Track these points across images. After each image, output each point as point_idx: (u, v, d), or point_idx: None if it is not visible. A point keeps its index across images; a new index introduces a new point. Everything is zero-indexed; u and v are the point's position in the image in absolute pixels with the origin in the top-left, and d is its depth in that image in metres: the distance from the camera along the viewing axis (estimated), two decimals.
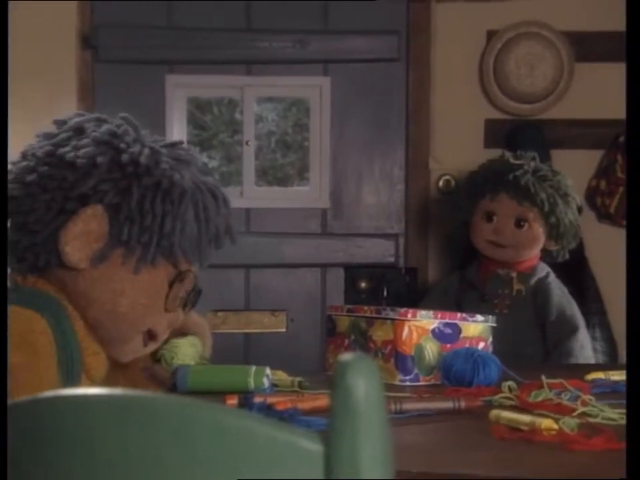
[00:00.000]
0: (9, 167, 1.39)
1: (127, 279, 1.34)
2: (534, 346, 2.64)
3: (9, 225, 1.36)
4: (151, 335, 1.42)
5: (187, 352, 1.65)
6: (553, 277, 2.70)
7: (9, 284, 1.37)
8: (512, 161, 2.73)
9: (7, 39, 1.92)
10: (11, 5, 2.97)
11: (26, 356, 1.25)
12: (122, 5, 3.07)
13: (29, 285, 1.36)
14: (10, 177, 1.36)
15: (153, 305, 1.38)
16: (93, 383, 1.37)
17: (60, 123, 1.40)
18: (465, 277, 2.78)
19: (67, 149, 1.34)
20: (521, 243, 2.68)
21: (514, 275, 2.68)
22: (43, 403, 0.88)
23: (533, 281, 2.68)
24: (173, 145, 1.41)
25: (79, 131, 1.37)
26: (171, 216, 1.33)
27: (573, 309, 2.66)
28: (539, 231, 2.68)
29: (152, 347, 1.44)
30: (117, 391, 0.87)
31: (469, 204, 2.76)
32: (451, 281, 2.84)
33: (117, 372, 1.60)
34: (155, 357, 1.65)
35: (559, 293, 2.68)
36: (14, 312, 1.29)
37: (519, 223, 2.67)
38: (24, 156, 1.38)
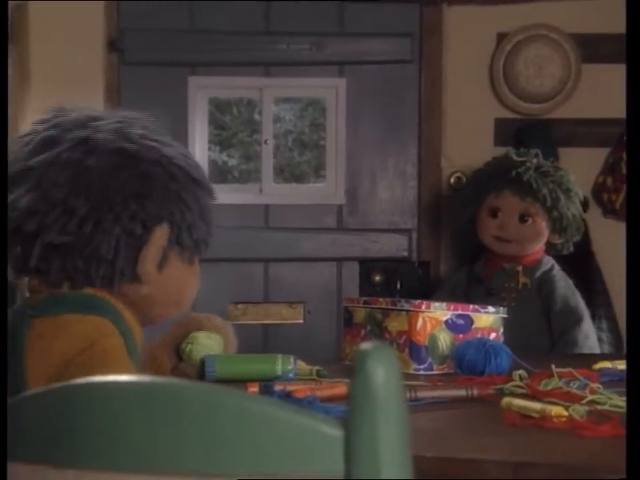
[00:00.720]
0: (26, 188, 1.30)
1: (185, 271, 1.36)
2: (541, 337, 2.63)
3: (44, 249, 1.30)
4: None
5: (205, 343, 1.64)
6: (557, 269, 2.69)
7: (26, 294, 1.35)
8: (515, 158, 2.72)
9: (7, 39, 1.92)
10: (38, 10, 2.99)
11: (104, 363, 1.21)
12: (146, 10, 3.07)
13: (76, 292, 1.30)
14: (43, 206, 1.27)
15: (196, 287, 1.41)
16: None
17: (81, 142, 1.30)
18: (473, 272, 2.77)
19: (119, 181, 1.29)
20: (525, 238, 2.67)
21: (519, 268, 2.67)
22: (74, 389, 0.88)
23: (538, 273, 2.67)
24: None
25: (131, 156, 1.31)
26: (208, 214, 1.37)
27: (577, 300, 2.66)
28: (542, 225, 2.67)
29: None
30: (145, 377, 0.87)
31: (474, 201, 2.76)
32: (459, 276, 2.84)
33: (151, 373, 1.60)
34: (181, 356, 1.66)
35: (564, 285, 2.67)
36: (72, 319, 1.25)
37: (522, 218, 2.66)
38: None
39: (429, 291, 3.01)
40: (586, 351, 2.57)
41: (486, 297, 2.63)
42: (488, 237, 2.72)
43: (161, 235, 1.31)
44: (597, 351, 2.64)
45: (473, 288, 2.72)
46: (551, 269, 2.69)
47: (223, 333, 1.69)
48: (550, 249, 2.74)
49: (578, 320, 2.61)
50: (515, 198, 2.67)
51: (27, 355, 1.23)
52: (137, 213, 1.29)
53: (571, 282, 2.69)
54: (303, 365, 1.75)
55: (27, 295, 1.35)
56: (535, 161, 2.70)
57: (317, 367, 1.73)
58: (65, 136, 1.30)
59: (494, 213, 2.70)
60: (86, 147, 1.30)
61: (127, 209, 1.29)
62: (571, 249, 2.74)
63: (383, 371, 0.80)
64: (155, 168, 1.31)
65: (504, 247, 2.69)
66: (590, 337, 2.62)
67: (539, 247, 2.70)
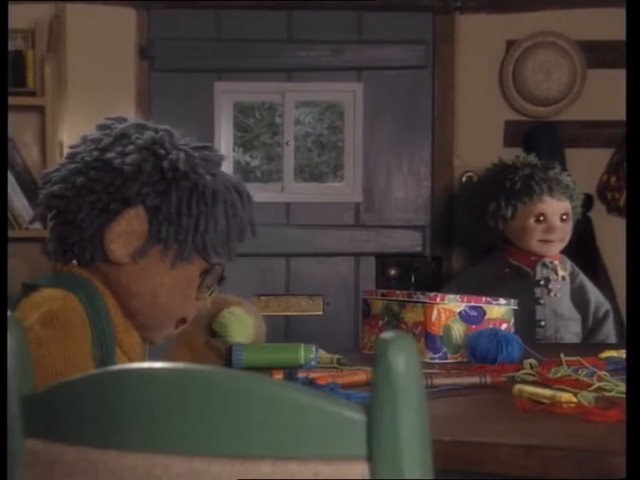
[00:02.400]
0: (57, 166, 1.38)
1: (164, 273, 1.33)
2: (574, 326, 2.63)
3: (54, 220, 1.37)
4: (181, 320, 1.42)
5: (241, 317, 1.63)
6: (577, 268, 2.71)
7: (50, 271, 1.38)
8: (535, 161, 2.71)
9: (7, 39, 1.92)
10: (74, 21, 3.00)
11: (57, 330, 1.25)
12: (175, 20, 3.08)
13: (65, 270, 1.36)
14: (58, 175, 1.35)
15: (187, 295, 1.37)
16: (127, 356, 1.37)
17: (103, 128, 1.38)
18: (502, 265, 2.71)
19: (113, 154, 1.33)
20: (565, 235, 2.68)
21: (557, 262, 2.67)
22: (111, 375, 0.89)
23: (568, 268, 2.68)
24: (204, 147, 1.40)
25: (123, 137, 1.35)
26: (204, 216, 1.32)
27: (601, 295, 2.68)
28: (572, 220, 2.70)
29: (181, 328, 1.44)
30: (178, 365, 0.87)
31: (519, 208, 2.69)
32: (480, 270, 2.77)
33: (184, 347, 1.61)
34: (214, 331, 1.65)
35: (589, 281, 2.69)
36: (48, 292, 1.30)
37: (562, 218, 2.66)
38: (72, 158, 1.37)
39: (441, 283, 3.00)
40: (613, 341, 2.58)
41: (530, 289, 2.60)
42: (534, 242, 2.68)
43: (134, 217, 1.31)
44: (615, 340, 2.64)
45: (509, 281, 2.66)
46: (574, 266, 2.70)
47: (255, 315, 1.70)
48: None
49: (607, 314, 2.64)
50: (554, 201, 2.66)
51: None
52: (116, 191, 1.31)
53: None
54: (324, 354, 1.75)
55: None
56: (558, 167, 2.71)
57: (337, 356, 1.73)
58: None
59: (538, 218, 2.68)
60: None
61: (110, 184, 1.31)
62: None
63: (403, 358, 0.80)
64: (152, 159, 1.32)
65: (549, 248, 2.67)
66: (614, 329, 2.64)
67: None
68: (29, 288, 1.33)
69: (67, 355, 1.24)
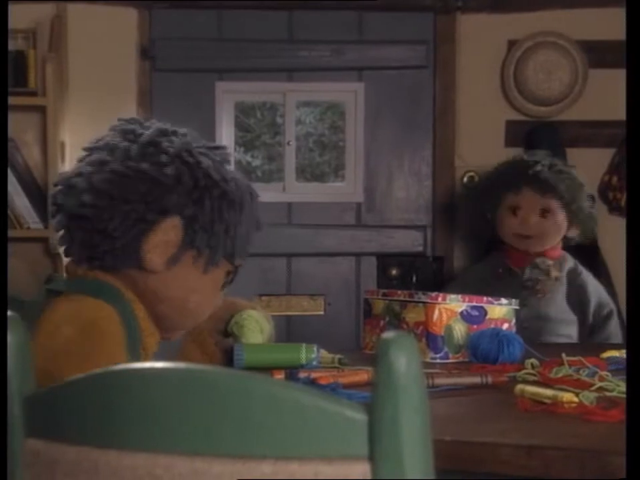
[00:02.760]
0: (77, 170, 1.35)
1: (196, 278, 1.34)
2: (571, 328, 2.61)
3: (74, 226, 1.34)
4: None
5: (259, 320, 1.65)
6: (581, 266, 2.69)
7: (64, 275, 1.37)
8: (528, 158, 2.71)
9: (7, 39, 1.91)
10: (75, 21, 3.00)
11: (96, 341, 1.24)
12: (177, 20, 3.08)
13: (90, 277, 1.34)
14: (84, 183, 1.32)
15: (214, 298, 1.39)
16: (146, 353, 1.37)
17: (127, 133, 1.35)
18: (499, 265, 2.72)
19: (146, 165, 1.31)
20: (545, 232, 2.65)
21: (550, 262, 2.65)
22: (112, 375, 0.88)
23: (567, 267, 2.66)
24: (216, 148, 1.39)
25: (152, 144, 1.33)
26: (233, 222, 1.34)
27: (606, 294, 2.65)
28: (561, 219, 2.66)
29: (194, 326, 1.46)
30: (180, 365, 0.87)
31: (491, 200, 2.73)
32: (479, 270, 2.79)
33: (194, 345, 1.61)
34: (225, 332, 1.66)
35: (593, 280, 2.66)
36: (82, 301, 1.28)
37: (543, 214, 2.64)
38: (99, 166, 1.33)
39: (443, 283, 3.00)
40: (617, 341, 2.55)
41: (519, 290, 2.59)
42: (509, 235, 2.69)
43: (170, 227, 1.30)
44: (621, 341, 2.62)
45: (504, 281, 2.67)
46: (577, 265, 2.67)
47: (269, 319, 1.71)
48: (565, 241, 2.72)
49: (610, 313, 2.61)
50: (534, 195, 2.64)
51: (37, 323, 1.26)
52: (154, 202, 1.30)
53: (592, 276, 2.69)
54: (325, 354, 1.75)
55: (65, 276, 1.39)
56: (547, 160, 2.69)
57: (338, 356, 1.73)
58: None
59: (514, 211, 2.68)
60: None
61: (147, 195, 1.30)
62: (597, 237, 2.72)
63: (405, 358, 0.80)
64: (186, 169, 1.31)
65: (525, 243, 2.67)
66: (619, 329, 2.61)
67: (557, 240, 2.68)
68: (53, 293, 1.31)
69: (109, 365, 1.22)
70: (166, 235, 1.30)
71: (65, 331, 1.24)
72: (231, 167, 1.40)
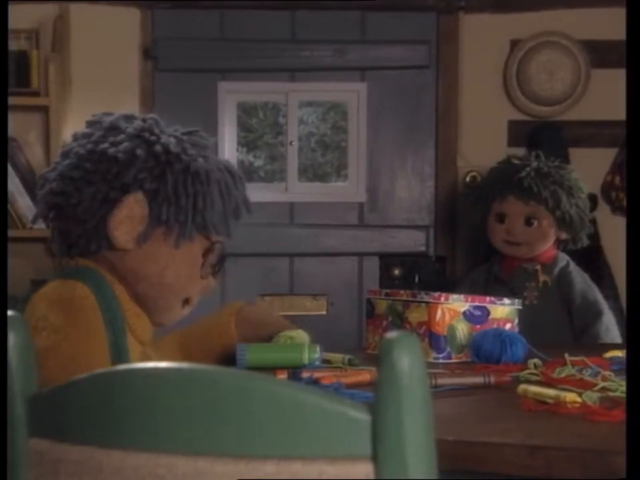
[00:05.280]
0: (53, 165, 1.41)
1: (169, 253, 1.37)
2: (563, 332, 2.59)
3: (55, 219, 1.39)
4: (186, 301, 1.45)
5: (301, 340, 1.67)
6: (573, 266, 2.66)
7: (56, 265, 1.42)
8: (515, 162, 2.70)
9: (7, 39, 1.92)
10: (78, 20, 3.00)
11: (70, 315, 1.28)
12: (179, 20, 3.08)
13: (72, 264, 1.39)
14: (54, 173, 1.38)
15: (191, 274, 1.41)
16: (140, 342, 1.40)
17: (93, 123, 1.42)
18: (491, 271, 2.73)
19: (106, 145, 1.36)
20: (532, 240, 2.64)
21: (538, 267, 2.64)
22: (115, 375, 0.89)
23: (556, 270, 2.64)
24: (190, 132, 1.44)
25: (113, 128, 1.39)
26: (201, 195, 1.37)
27: (595, 294, 2.62)
28: (548, 225, 2.64)
29: (187, 310, 1.47)
30: (182, 365, 0.87)
31: (482, 207, 2.74)
32: (475, 275, 2.79)
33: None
34: None
35: (581, 280, 2.63)
36: (57, 283, 1.33)
37: (528, 221, 2.64)
38: (66, 155, 1.40)
39: (445, 283, 3.00)
40: (609, 342, 2.53)
41: (508, 296, 2.57)
42: (498, 241, 2.70)
43: (134, 202, 1.34)
44: (620, 340, 2.59)
45: (493, 287, 2.68)
46: (567, 265, 2.65)
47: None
48: (564, 245, 2.71)
49: (598, 313, 2.57)
50: (518, 202, 2.64)
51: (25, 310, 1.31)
52: (114, 179, 1.34)
53: (587, 276, 2.65)
54: (334, 355, 1.75)
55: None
56: (535, 164, 2.67)
57: (348, 356, 1.73)
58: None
59: (501, 219, 2.68)
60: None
61: (107, 173, 1.34)
62: (584, 243, 2.71)
63: (407, 358, 0.80)
64: (143, 144, 1.35)
65: (514, 249, 2.67)
66: (611, 329, 2.58)
67: (547, 246, 2.67)
68: (37, 284, 1.36)
69: (83, 338, 1.27)
70: (130, 210, 1.34)
71: (38, 309, 1.28)
72: (211, 152, 1.42)
